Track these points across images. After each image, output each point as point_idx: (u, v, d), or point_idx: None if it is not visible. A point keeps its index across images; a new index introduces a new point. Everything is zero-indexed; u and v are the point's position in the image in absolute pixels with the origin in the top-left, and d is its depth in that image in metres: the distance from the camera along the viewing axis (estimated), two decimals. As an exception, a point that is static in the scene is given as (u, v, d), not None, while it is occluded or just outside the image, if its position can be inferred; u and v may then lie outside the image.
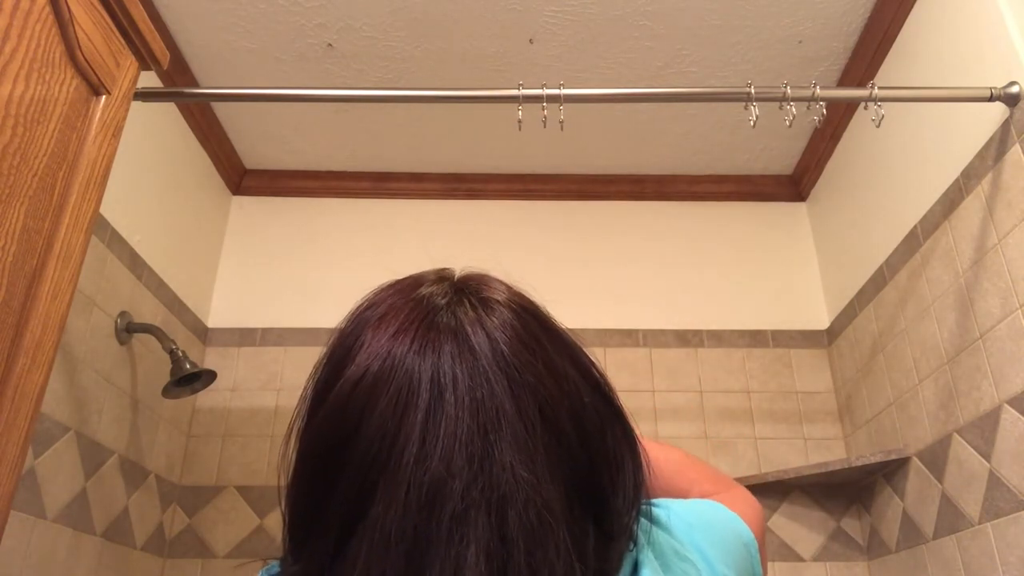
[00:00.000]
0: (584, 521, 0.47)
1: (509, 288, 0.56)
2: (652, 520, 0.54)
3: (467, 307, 0.51)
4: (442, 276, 0.56)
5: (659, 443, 0.74)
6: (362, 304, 0.54)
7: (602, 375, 0.54)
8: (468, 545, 0.42)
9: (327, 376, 0.51)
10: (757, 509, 0.68)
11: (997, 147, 1.40)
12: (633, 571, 0.50)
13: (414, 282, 0.55)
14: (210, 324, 2.24)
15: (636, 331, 2.23)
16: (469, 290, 0.54)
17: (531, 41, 1.91)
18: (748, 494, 0.72)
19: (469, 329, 0.49)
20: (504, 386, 0.47)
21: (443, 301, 0.52)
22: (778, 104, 1.41)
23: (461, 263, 2.50)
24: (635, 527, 0.50)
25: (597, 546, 0.47)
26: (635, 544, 0.50)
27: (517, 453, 0.45)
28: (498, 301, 0.53)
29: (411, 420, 0.45)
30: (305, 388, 0.52)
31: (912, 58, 1.73)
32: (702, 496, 0.69)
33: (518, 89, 1.38)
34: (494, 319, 0.50)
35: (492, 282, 0.56)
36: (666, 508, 0.56)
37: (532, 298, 0.56)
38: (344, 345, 0.51)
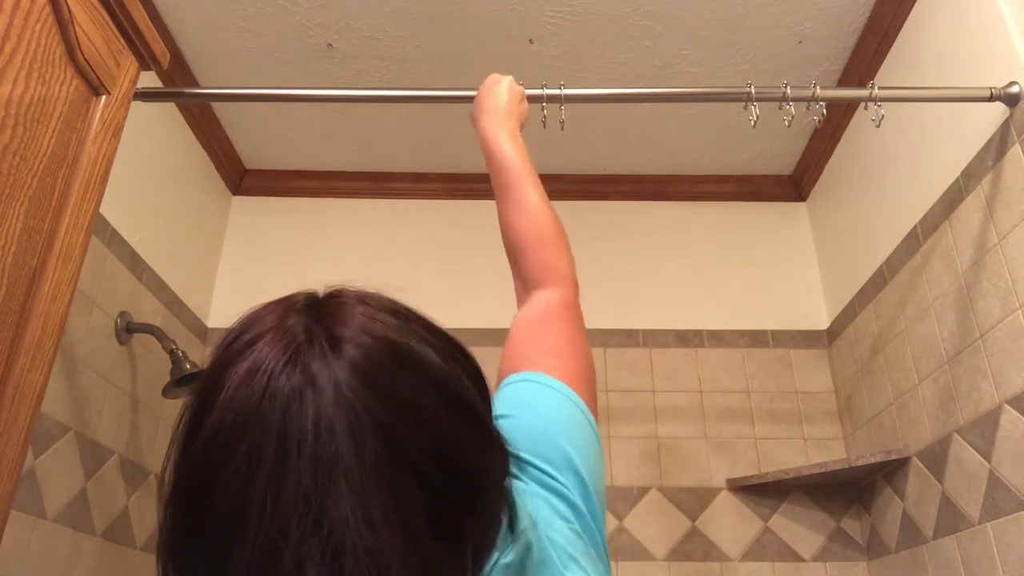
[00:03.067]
0: (441, 547, 0.48)
1: (366, 312, 0.53)
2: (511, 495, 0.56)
3: (316, 348, 0.50)
4: (308, 303, 0.54)
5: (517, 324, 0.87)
6: (231, 332, 0.53)
7: (469, 389, 0.54)
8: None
9: (192, 422, 0.50)
10: (581, 329, 0.80)
11: (997, 147, 1.40)
12: (510, 526, 0.53)
13: (283, 309, 0.54)
14: (210, 324, 2.24)
15: (636, 331, 2.23)
16: (323, 324, 0.52)
17: (531, 41, 1.91)
18: (574, 311, 0.85)
19: (316, 374, 0.48)
20: (345, 433, 0.47)
21: (301, 339, 0.50)
22: (778, 104, 1.41)
23: (461, 263, 2.52)
24: (506, 529, 0.53)
25: (477, 534, 0.50)
26: (517, 533, 0.53)
27: (353, 503, 0.45)
28: (346, 339, 0.51)
29: (258, 480, 0.46)
30: (175, 430, 0.52)
31: (912, 58, 1.73)
32: (534, 291, 0.86)
33: (518, 89, 1.38)
34: (340, 361, 0.49)
35: (348, 309, 0.53)
36: (500, 417, 0.62)
37: (394, 312, 0.55)
38: (208, 385, 0.51)
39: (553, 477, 0.62)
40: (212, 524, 0.46)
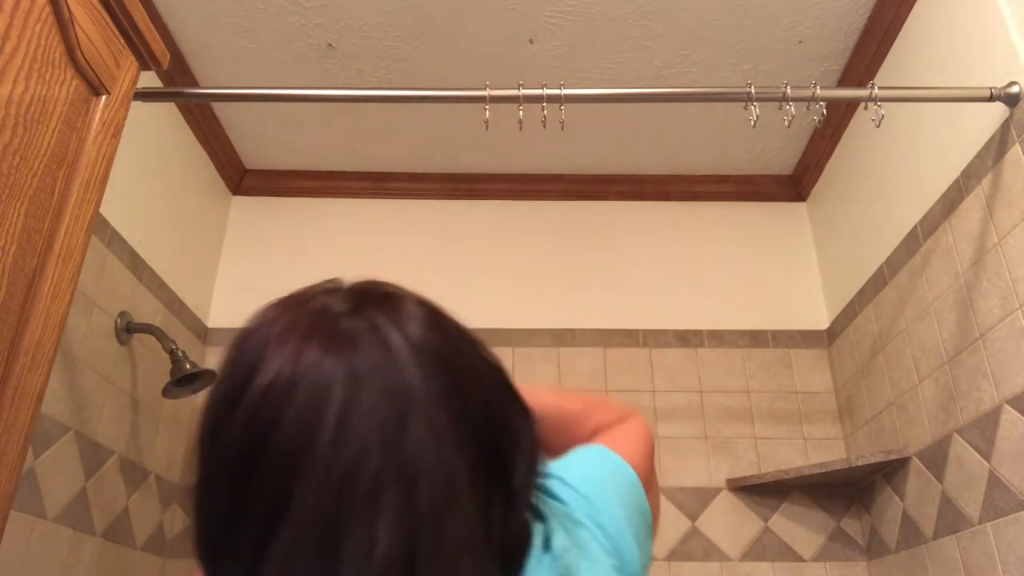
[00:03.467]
0: (490, 494, 0.50)
1: (404, 288, 0.58)
2: (546, 493, 0.58)
3: (373, 306, 0.52)
4: (333, 287, 0.57)
5: (535, 390, 0.75)
6: (254, 325, 0.55)
7: (498, 360, 0.58)
8: (380, 519, 0.44)
9: (230, 392, 0.51)
10: (642, 439, 0.72)
11: (997, 147, 1.40)
12: (546, 543, 0.53)
13: (303, 296, 0.56)
14: (210, 324, 2.24)
15: (636, 331, 2.23)
16: (369, 292, 0.55)
17: (531, 41, 1.91)
18: (634, 423, 0.75)
19: (380, 324, 0.51)
20: (415, 372, 0.49)
21: (344, 307, 0.52)
22: (778, 104, 1.41)
23: (461, 263, 2.52)
24: (535, 500, 0.54)
25: (503, 519, 0.50)
26: (541, 518, 0.54)
27: (428, 432, 0.47)
28: (400, 297, 0.55)
29: (326, 415, 0.46)
30: (206, 410, 0.52)
31: (912, 58, 1.73)
32: (588, 438, 0.73)
33: (518, 89, 1.38)
34: (401, 313, 0.53)
35: (388, 284, 0.57)
36: (553, 477, 0.61)
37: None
38: (244, 362, 0.52)
39: (605, 526, 0.60)
40: (269, 476, 0.46)
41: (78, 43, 0.93)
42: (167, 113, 2.00)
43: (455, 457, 0.48)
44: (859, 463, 1.76)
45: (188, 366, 1.72)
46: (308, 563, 0.44)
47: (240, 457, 0.48)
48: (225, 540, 0.48)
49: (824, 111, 1.42)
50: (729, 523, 1.99)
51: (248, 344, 0.53)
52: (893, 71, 1.81)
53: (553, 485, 0.60)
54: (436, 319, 0.55)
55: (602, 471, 0.65)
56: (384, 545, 0.44)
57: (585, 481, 0.62)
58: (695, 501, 2.02)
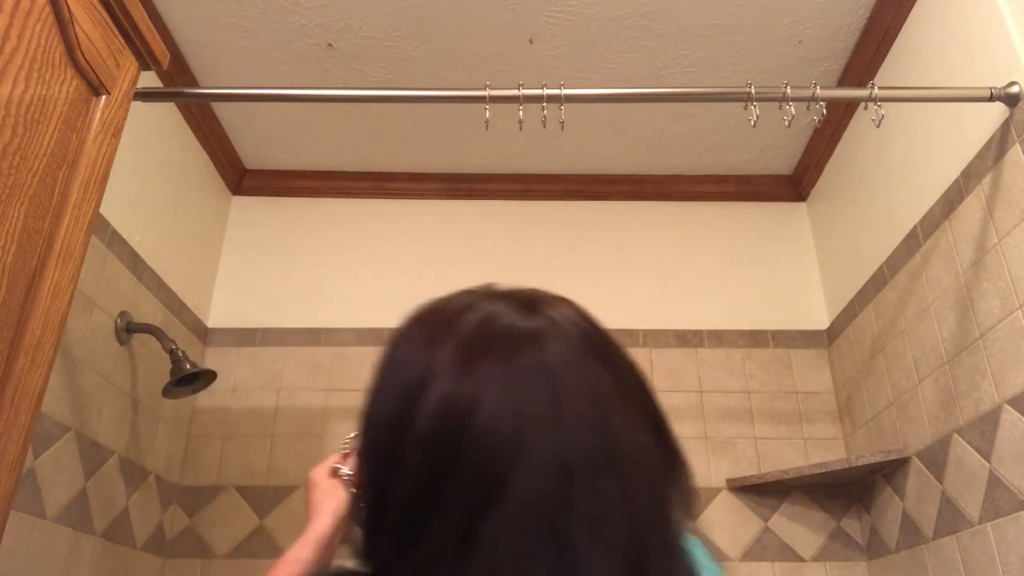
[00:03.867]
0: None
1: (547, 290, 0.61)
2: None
3: (544, 306, 0.55)
4: (486, 293, 0.58)
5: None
6: (414, 339, 0.55)
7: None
8: (605, 506, 0.46)
9: (407, 393, 0.51)
10: None
11: (997, 147, 1.40)
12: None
13: (459, 306, 0.56)
14: (210, 324, 2.24)
15: (636, 331, 2.23)
16: (534, 295, 0.57)
17: (531, 41, 1.91)
18: None
19: (556, 319, 0.53)
20: (600, 366, 0.52)
21: (513, 310, 0.54)
22: (778, 104, 1.41)
23: (461, 263, 2.52)
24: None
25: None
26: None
27: (627, 421, 0.50)
28: (562, 299, 0.57)
29: (529, 405, 0.48)
30: (375, 405, 0.53)
31: (912, 58, 1.73)
32: None
33: (518, 89, 1.38)
34: (569, 313, 0.55)
35: (532, 288, 0.60)
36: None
37: None
38: (412, 377, 0.52)
39: None
40: (476, 466, 0.47)
41: (78, 43, 0.93)
42: (167, 113, 2.00)
43: (652, 446, 0.51)
44: (859, 463, 1.76)
45: (188, 366, 1.72)
46: (531, 548, 0.45)
47: (441, 450, 0.48)
48: (419, 527, 0.49)
49: (824, 111, 1.42)
50: (729, 523, 1.99)
51: (412, 358, 0.53)
52: (893, 71, 1.81)
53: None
54: (596, 321, 0.58)
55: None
56: (611, 527, 0.46)
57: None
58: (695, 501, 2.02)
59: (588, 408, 0.49)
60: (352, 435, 0.96)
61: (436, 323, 0.55)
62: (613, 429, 0.49)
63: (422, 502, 0.48)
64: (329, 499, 0.89)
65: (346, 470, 0.91)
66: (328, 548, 0.86)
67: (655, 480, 0.50)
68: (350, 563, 0.53)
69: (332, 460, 0.93)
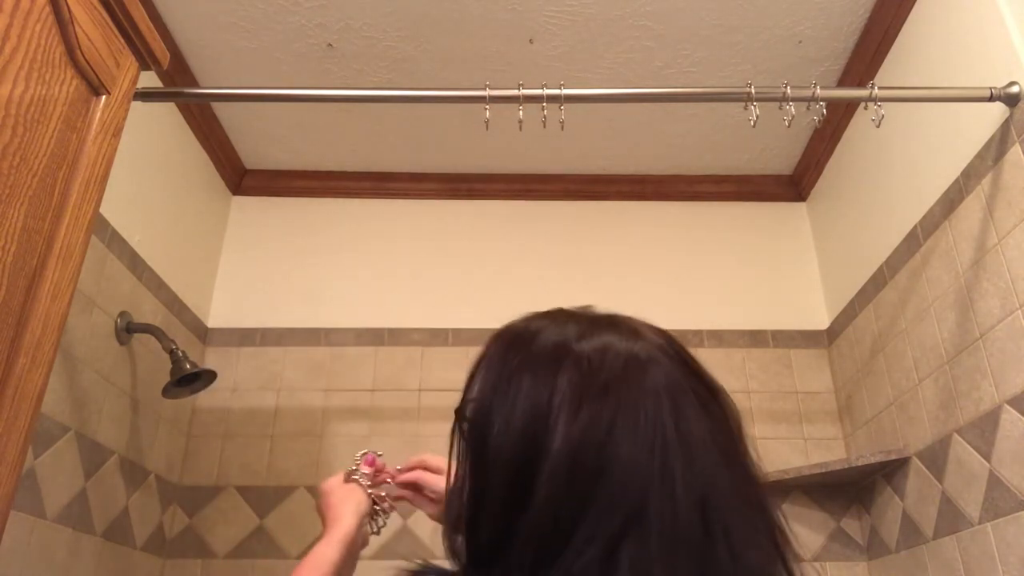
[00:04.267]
0: None
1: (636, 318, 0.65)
2: None
3: (641, 328, 0.60)
4: (588, 316, 0.63)
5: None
6: (530, 362, 0.57)
7: None
8: (742, 531, 0.50)
9: (534, 426, 0.53)
10: None
11: (997, 147, 1.40)
12: None
13: (575, 324, 0.60)
14: (210, 324, 2.24)
15: (636, 331, 2.23)
16: (626, 319, 0.62)
17: (531, 41, 1.91)
18: None
19: (657, 342, 0.58)
20: (706, 391, 0.57)
21: (624, 337, 0.58)
22: (778, 104, 1.41)
23: (461, 263, 2.51)
24: None
25: None
26: None
27: (745, 458, 0.56)
28: (653, 328, 0.63)
29: (666, 435, 0.51)
30: (498, 440, 0.54)
31: (912, 58, 1.73)
32: None
33: (518, 89, 1.38)
34: (666, 340, 0.60)
35: (622, 315, 0.65)
36: None
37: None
38: (538, 398, 0.54)
39: None
40: (619, 487, 0.49)
41: (78, 43, 0.93)
42: (167, 113, 2.00)
43: (710, 439, 0.54)
44: (859, 463, 1.76)
45: (188, 366, 1.72)
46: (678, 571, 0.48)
47: (581, 472, 0.50)
48: (555, 558, 0.49)
49: (824, 111, 1.42)
50: (729, 523, 1.99)
51: (532, 389, 0.54)
52: (893, 71, 1.81)
53: None
54: (668, 334, 0.64)
55: None
56: (748, 553, 0.50)
57: None
58: (695, 501, 2.02)
59: (712, 440, 0.53)
60: (362, 452, 0.97)
61: (550, 350, 0.56)
62: (737, 466, 0.54)
63: (559, 528, 0.49)
64: (348, 501, 0.89)
65: (364, 470, 0.92)
66: (353, 547, 0.86)
67: (773, 526, 0.53)
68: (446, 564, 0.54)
69: (342, 474, 0.93)
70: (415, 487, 0.96)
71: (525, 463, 0.51)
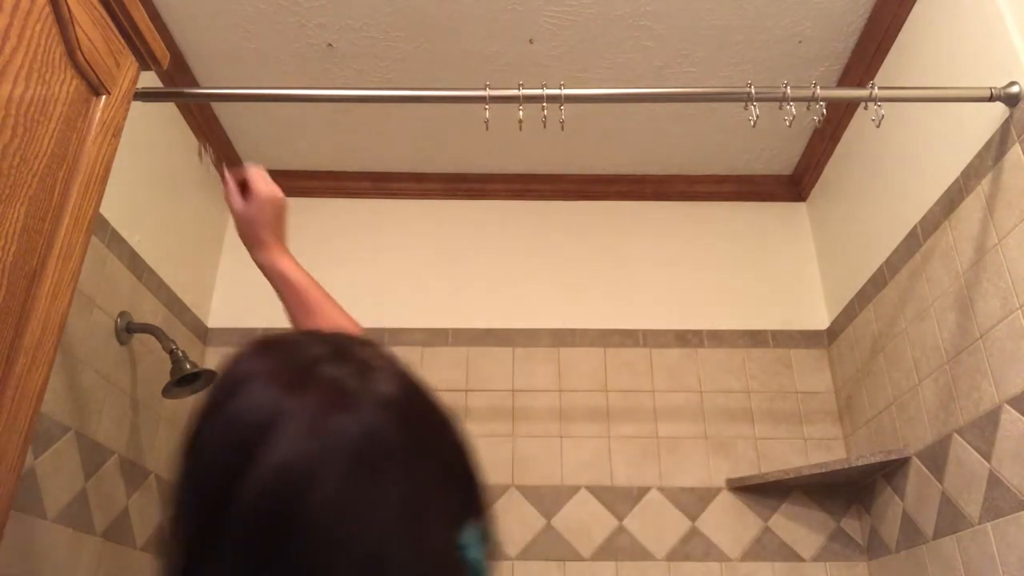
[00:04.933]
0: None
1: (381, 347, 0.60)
2: None
3: (377, 381, 0.53)
4: (332, 352, 0.56)
5: (293, 264, 1.14)
6: (253, 370, 0.53)
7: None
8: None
9: (237, 453, 0.49)
10: None
11: (997, 147, 1.40)
12: None
13: (306, 359, 0.55)
14: (210, 324, 2.24)
15: (636, 331, 2.23)
16: (369, 366, 0.55)
17: (531, 41, 1.91)
18: None
19: (378, 392, 0.52)
20: (409, 455, 0.52)
21: (353, 379, 0.53)
22: (778, 104, 1.41)
23: (461, 263, 2.51)
24: None
25: None
26: None
27: (440, 525, 0.51)
28: (393, 370, 0.56)
29: (354, 496, 0.47)
30: (204, 462, 0.51)
31: (912, 58, 1.73)
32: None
33: (518, 89, 1.38)
34: (399, 388, 0.54)
35: (373, 349, 0.58)
36: None
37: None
38: (253, 413, 0.50)
39: None
40: (299, 547, 0.46)
41: (78, 43, 0.93)
42: (167, 113, 2.00)
43: (453, 544, 0.52)
44: (859, 463, 1.76)
45: (188, 366, 1.72)
46: None
47: (267, 530, 0.47)
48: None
49: (824, 111, 1.42)
50: (729, 523, 1.99)
51: (248, 411, 0.51)
52: (893, 71, 1.81)
53: None
54: (416, 391, 0.57)
55: None
56: None
57: None
58: (695, 501, 2.02)
59: (402, 507, 0.49)
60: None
61: (276, 377, 0.52)
62: (424, 532, 0.50)
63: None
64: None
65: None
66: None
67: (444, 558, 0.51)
68: None
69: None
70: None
71: (212, 503, 0.48)
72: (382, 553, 0.47)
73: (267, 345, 0.55)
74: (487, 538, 0.57)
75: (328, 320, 1.02)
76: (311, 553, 0.46)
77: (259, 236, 1.13)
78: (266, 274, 1.09)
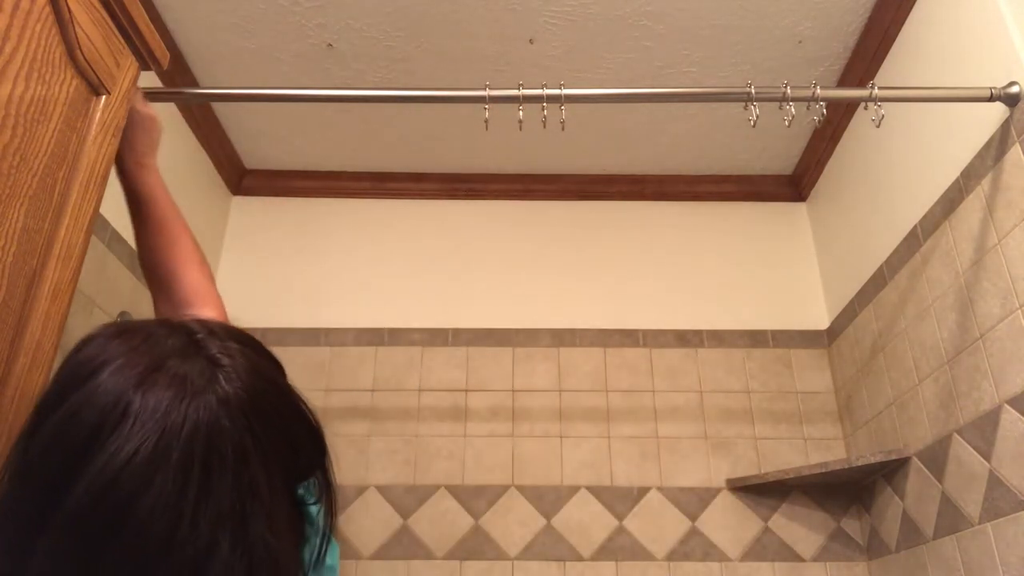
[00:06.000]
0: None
1: (234, 336, 0.61)
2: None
3: (211, 381, 0.54)
4: (183, 341, 0.58)
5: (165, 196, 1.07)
6: (103, 359, 0.54)
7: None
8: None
9: (79, 445, 0.50)
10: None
11: (997, 147, 1.40)
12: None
13: (157, 352, 0.55)
14: (210, 324, 2.24)
15: (636, 331, 2.23)
16: (213, 360, 0.56)
17: (531, 41, 1.91)
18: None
19: (222, 392, 0.54)
20: (257, 458, 0.53)
21: (195, 377, 0.54)
22: (778, 104, 1.41)
23: (461, 263, 2.52)
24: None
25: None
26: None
27: (266, 520, 0.52)
28: (231, 377, 0.56)
29: (186, 501, 0.49)
30: (39, 447, 0.51)
31: (912, 58, 1.73)
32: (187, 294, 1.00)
33: (518, 89, 1.38)
34: (239, 381, 0.55)
35: (218, 344, 0.59)
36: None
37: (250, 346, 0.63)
38: (97, 408, 0.51)
39: None
40: (126, 551, 0.47)
41: (78, 43, 0.93)
42: (167, 113, 2.00)
43: (287, 544, 0.56)
44: (859, 463, 1.76)
45: (188, 366, 1.71)
46: None
47: (95, 524, 0.48)
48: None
49: (824, 111, 1.42)
50: (729, 523, 1.99)
51: (101, 388, 0.52)
52: (893, 71, 1.81)
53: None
54: (265, 377, 0.60)
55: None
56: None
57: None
58: (695, 501, 2.02)
59: (231, 508, 0.50)
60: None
61: (120, 368, 0.53)
62: (251, 531, 0.51)
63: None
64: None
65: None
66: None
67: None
68: None
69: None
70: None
71: (43, 498, 0.49)
72: (209, 552, 0.48)
73: (120, 333, 0.56)
74: (322, 487, 0.61)
75: (184, 259, 1.02)
76: (138, 549, 0.47)
77: (146, 155, 1.10)
78: (138, 195, 1.07)
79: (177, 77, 1.95)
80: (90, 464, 0.48)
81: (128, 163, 1.07)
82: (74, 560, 0.47)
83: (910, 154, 1.75)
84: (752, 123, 1.39)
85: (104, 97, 1.00)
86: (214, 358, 0.55)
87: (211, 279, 1.03)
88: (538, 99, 1.37)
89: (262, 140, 2.31)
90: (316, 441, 0.62)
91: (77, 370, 0.54)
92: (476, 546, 1.97)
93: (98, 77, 0.98)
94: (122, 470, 0.48)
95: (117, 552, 0.47)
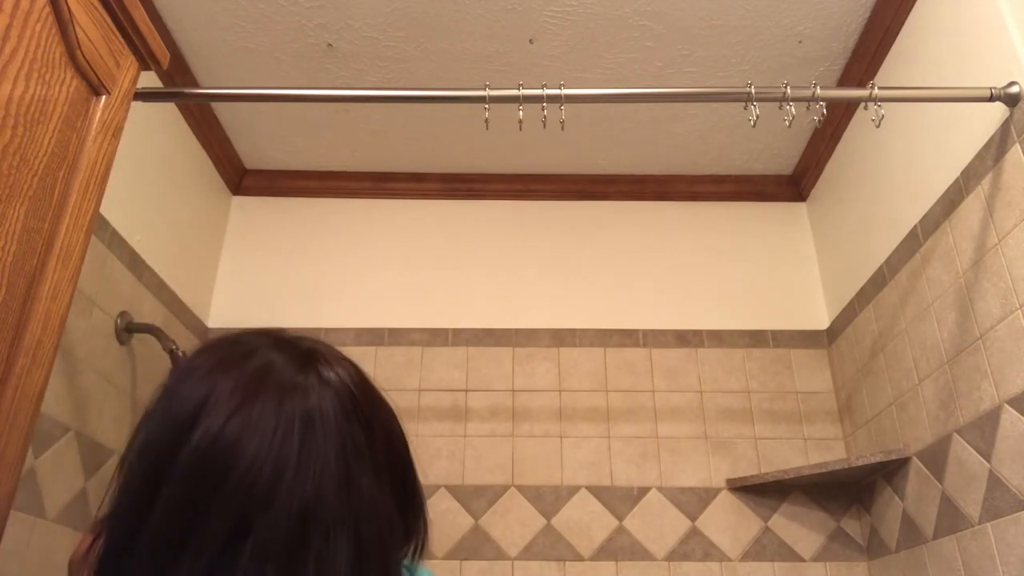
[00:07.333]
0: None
1: (333, 347, 0.67)
2: None
3: (319, 364, 0.61)
4: (273, 342, 0.64)
5: None
6: (198, 373, 0.59)
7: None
8: (336, 554, 0.52)
9: (180, 424, 0.55)
10: None
11: (997, 147, 1.40)
12: None
13: (245, 348, 0.62)
14: (210, 324, 2.24)
15: (636, 331, 2.23)
16: (314, 352, 0.63)
17: (531, 41, 1.91)
18: None
19: (328, 378, 0.60)
20: (357, 426, 0.58)
21: (291, 365, 0.60)
22: (778, 104, 1.41)
23: (461, 263, 2.52)
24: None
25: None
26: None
27: (370, 477, 0.56)
28: (341, 359, 0.64)
29: (286, 453, 0.53)
30: (149, 438, 0.57)
31: (912, 58, 1.73)
32: None
33: (518, 89, 1.38)
34: (343, 373, 0.62)
35: (320, 342, 0.67)
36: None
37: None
38: (186, 410, 0.56)
39: None
40: (228, 505, 0.52)
41: (78, 43, 0.93)
42: (167, 113, 2.00)
43: (390, 503, 0.59)
44: (859, 463, 1.76)
45: (188, 366, 1.71)
46: None
47: (197, 485, 0.52)
48: (170, 566, 0.51)
49: (824, 111, 1.42)
50: (729, 523, 1.99)
51: (194, 384, 0.58)
52: (893, 71, 1.81)
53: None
54: (365, 382, 0.65)
55: None
56: (335, 565, 0.52)
57: None
58: (695, 501, 2.02)
59: (335, 462, 0.54)
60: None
61: (218, 363, 0.59)
62: (355, 485, 0.55)
63: (177, 534, 0.51)
64: None
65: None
66: None
67: (384, 532, 0.56)
68: None
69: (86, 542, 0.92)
70: None
71: (157, 467, 0.54)
72: (316, 499, 0.52)
73: (216, 341, 0.63)
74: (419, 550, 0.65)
75: None
76: (241, 497, 0.51)
77: None
78: None
79: (177, 77, 1.95)
80: (198, 428, 0.54)
81: None
82: (185, 511, 0.52)
83: (910, 154, 1.75)
84: (752, 123, 1.39)
85: (104, 97, 1.00)
86: (311, 351, 0.63)
87: None
88: (538, 99, 1.37)
89: (262, 140, 2.31)
90: (413, 482, 0.67)
91: (180, 370, 0.61)
92: (476, 546, 1.97)
93: (98, 77, 0.98)
94: (225, 426, 0.53)
95: (222, 502, 0.52)
